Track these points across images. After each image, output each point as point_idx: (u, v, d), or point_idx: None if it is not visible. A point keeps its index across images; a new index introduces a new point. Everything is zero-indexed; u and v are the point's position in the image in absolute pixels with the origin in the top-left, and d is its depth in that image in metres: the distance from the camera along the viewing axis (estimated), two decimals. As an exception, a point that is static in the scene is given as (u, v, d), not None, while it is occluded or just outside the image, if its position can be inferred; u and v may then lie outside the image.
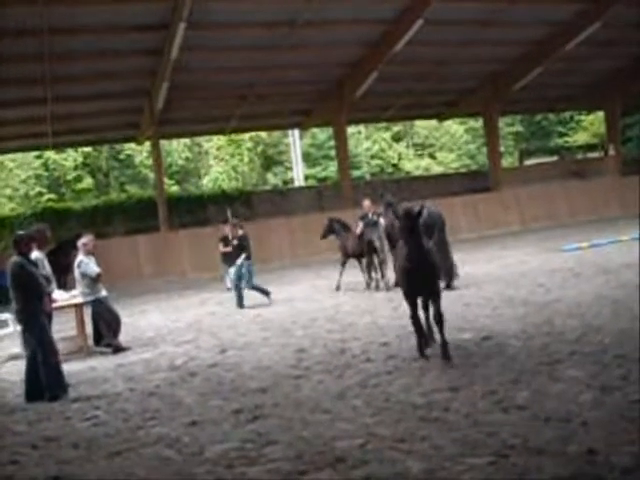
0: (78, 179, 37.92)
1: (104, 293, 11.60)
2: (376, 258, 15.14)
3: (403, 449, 5.32)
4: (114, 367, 9.87)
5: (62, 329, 11.93)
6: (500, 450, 5.08)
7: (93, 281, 11.36)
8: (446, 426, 5.73)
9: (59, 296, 10.95)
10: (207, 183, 40.64)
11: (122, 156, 39.69)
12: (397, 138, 46.22)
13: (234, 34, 21.49)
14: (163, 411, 7.22)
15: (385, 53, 23.64)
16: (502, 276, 14.84)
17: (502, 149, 37.18)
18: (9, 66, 19.75)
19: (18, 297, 8.42)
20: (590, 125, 42.92)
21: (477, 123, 41.88)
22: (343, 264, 15.91)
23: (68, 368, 9.36)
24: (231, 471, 5.32)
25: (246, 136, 39.84)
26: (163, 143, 30.43)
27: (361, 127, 41.84)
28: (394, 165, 44.57)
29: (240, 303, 14.64)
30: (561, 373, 6.91)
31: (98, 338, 11.43)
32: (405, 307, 8.66)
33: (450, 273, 13.61)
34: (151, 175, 35.52)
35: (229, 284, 16.88)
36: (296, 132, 35.90)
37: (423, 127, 46.48)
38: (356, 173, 39.10)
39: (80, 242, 11.74)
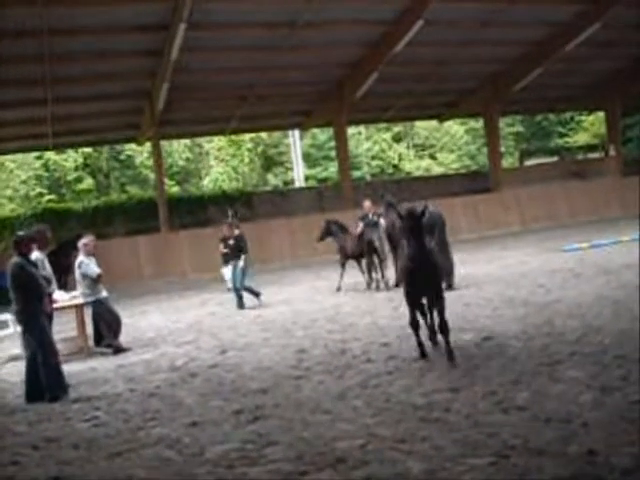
0: (78, 180, 37.93)
1: (105, 294, 11.60)
2: (376, 258, 15.15)
3: (404, 450, 5.32)
4: (114, 368, 9.87)
5: (63, 330, 11.95)
6: (501, 451, 5.08)
7: (94, 282, 11.36)
8: (447, 427, 5.73)
9: (60, 297, 10.95)
10: (207, 184, 40.64)
11: (122, 157, 39.69)
12: (397, 139, 46.22)
13: (234, 35, 21.50)
14: (163, 412, 7.22)
15: (385, 54, 23.65)
16: (502, 276, 14.84)
17: (502, 150, 37.17)
18: (9, 67, 19.75)
19: (18, 298, 8.42)
20: (590, 126, 42.92)
21: (477, 124, 41.87)
22: (343, 265, 15.92)
23: (68, 369, 9.37)
24: (232, 472, 5.32)
25: (246, 137, 39.86)
26: (163, 144, 30.42)
27: (361, 128, 41.84)
28: (394, 166, 44.57)
29: (240, 304, 14.64)
30: (561, 374, 6.91)
31: (98, 339, 11.43)
32: (405, 308, 8.64)
33: (451, 273, 13.63)
34: (152, 176, 35.50)
35: (230, 285, 16.88)
36: (296, 133, 35.89)
37: (423, 128, 46.48)
38: (356, 174, 39.08)
39: (80, 243, 11.75)
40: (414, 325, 8.27)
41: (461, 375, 7.28)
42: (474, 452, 5.11)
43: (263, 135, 40.70)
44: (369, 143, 44.01)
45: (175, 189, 38.15)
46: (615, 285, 11.87)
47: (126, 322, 12.24)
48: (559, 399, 6.12)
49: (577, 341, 8.21)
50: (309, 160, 42.22)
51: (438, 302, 8.16)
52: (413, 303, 8.33)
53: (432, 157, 46.11)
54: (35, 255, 9.29)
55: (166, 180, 31.53)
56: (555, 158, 35.03)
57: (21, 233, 9.19)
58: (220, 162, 41.85)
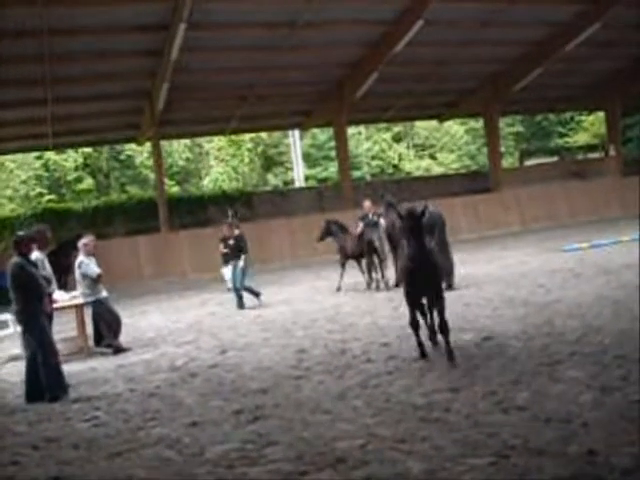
0: (78, 180, 37.93)
1: (104, 294, 11.60)
2: (376, 258, 15.15)
3: (404, 450, 5.32)
4: (114, 368, 9.87)
5: (63, 330, 11.95)
6: (501, 451, 5.08)
7: (94, 282, 11.36)
8: (447, 427, 5.73)
9: (60, 297, 10.95)
10: (207, 184, 40.65)
11: (122, 157, 39.69)
12: (397, 139, 46.23)
13: (234, 35, 21.50)
14: (163, 412, 7.22)
15: (385, 54, 23.65)
16: (502, 276, 14.85)
17: (502, 149, 37.17)
18: (9, 67, 19.75)
19: (18, 298, 8.42)
20: (590, 126, 42.92)
21: (477, 124, 41.87)
22: (343, 265, 15.91)
23: (68, 369, 9.37)
24: (232, 472, 5.32)
25: (246, 137, 39.86)
26: (163, 144, 30.43)
27: (361, 128, 41.84)
28: (394, 166, 44.57)
29: (240, 304, 14.64)
30: (561, 374, 6.90)
31: (99, 339, 11.43)
32: (405, 308, 8.64)
33: (451, 273, 13.63)
34: (152, 176, 35.51)
35: (230, 285, 16.88)
36: (296, 133, 35.89)
37: (423, 128, 46.48)
38: (356, 174, 39.09)
39: (80, 243, 11.75)
40: (414, 325, 8.27)
41: (461, 375, 7.28)
42: (474, 452, 5.11)
43: (263, 135, 40.70)
44: (369, 143, 44.01)
45: (175, 189, 38.15)
46: (615, 285, 11.87)
47: (126, 322, 12.24)
48: (559, 399, 6.12)
49: (577, 341, 8.21)
50: (309, 160, 42.22)
51: (438, 302, 8.16)
52: (413, 303, 8.34)
53: (432, 157, 46.12)
54: (35, 255, 9.29)
55: (166, 180, 31.54)
56: (555, 158, 35.04)
57: (21, 233, 9.19)
58: (220, 162, 41.85)
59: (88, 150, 37.08)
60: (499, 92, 29.55)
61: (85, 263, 11.39)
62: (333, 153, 34.85)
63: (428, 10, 21.46)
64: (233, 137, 38.18)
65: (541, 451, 4.99)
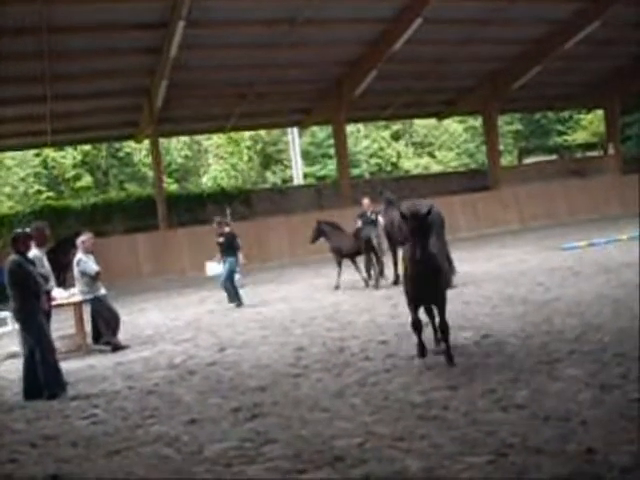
0: (77, 177, 37.90)
1: (103, 291, 11.60)
2: (374, 256, 15.12)
3: (402, 448, 5.31)
4: (113, 365, 9.86)
5: (61, 327, 11.94)
6: (499, 449, 5.07)
7: (92, 279, 11.35)
8: (445, 425, 5.73)
9: (58, 294, 10.95)
10: (206, 181, 40.64)
11: (121, 154, 39.66)
12: (396, 137, 46.23)
13: (233, 32, 21.49)
14: (162, 409, 7.21)
15: (384, 52, 23.65)
16: (501, 275, 14.84)
17: (501, 148, 37.19)
18: (8, 64, 19.74)
19: (16, 296, 8.41)
20: (589, 124, 42.94)
21: (476, 122, 41.91)
22: (339, 264, 15.83)
23: (67, 366, 9.36)
24: (230, 470, 5.31)
25: (245, 134, 39.85)
26: (162, 141, 30.43)
27: (360, 125, 41.84)
28: (393, 164, 44.57)
29: (239, 301, 14.62)
30: (560, 372, 6.90)
31: (97, 336, 11.43)
32: (404, 306, 8.60)
33: (449, 273, 13.59)
34: (150, 173, 35.50)
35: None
36: (295, 130, 35.89)
37: (422, 126, 46.49)
38: (355, 171, 39.10)
39: (79, 240, 11.74)
40: (416, 326, 8.09)
41: (460, 373, 7.27)
42: (472, 450, 5.11)
43: (262, 133, 40.71)
44: (368, 141, 44.00)
45: (174, 187, 38.16)
46: (615, 283, 11.86)
47: (125, 320, 12.25)
48: (558, 397, 6.11)
49: (576, 339, 8.20)
50: (308, 158, 42.22)
51: (440, 307, 7.97)
52: (415, 304, 8.16)
53: (431, 155, 46.12)
54: (34, 253, 9.28)
55: (165, 178, 31.55)
56: (554, 156, 35.09)
57: (18, 231, 9.16)
58: (219, 160, 41.84)
59: (87, 147, 37.09)
60: (498, 90, 29.56)
61: (84, 261, 11.38)
62: (332, 151, 34.84)
63: (427, 8, 21.49)
64: (232, 135, 38.16)
65: (540, 449, 4.99)
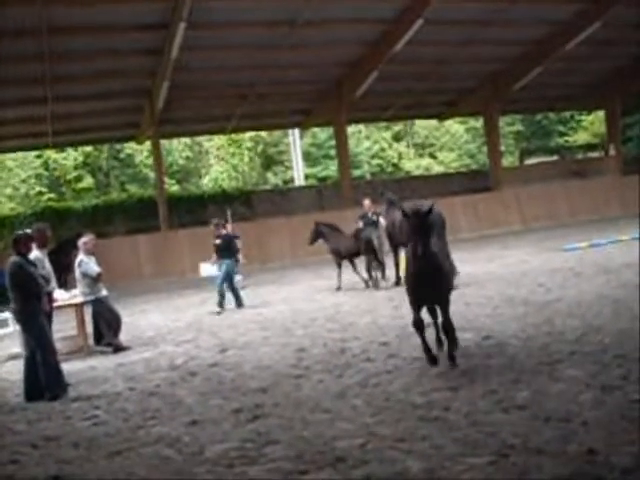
0: (78, 178, 37.95)
1: (104, 292, 11.60)
2: (374, 257, 15.11)
3: (403, 448, 5.31)
4: (114, 366, 9.86)
5: (63, 328, 11.94)
6: (500, 450, 5.07)
7: (93, 280, 11.36)
8: (446, 425, 5.73)
9: (59, 295, 10.94)
10: (207, 182, 40.66)
11: (122, 155, 39.72)
12: (397, 137, 46.26)
13: (234, 33, 21.51)
14: (163, 410, 7.21)
15: (385, 53, 23.67)
16: (503, 275, 14.84)
17: (502, 148, 37.20)
18: (9, 66, 19.77)
19: (17, 297, 8.41)
20: (590, 125, 42.96)
21: (477, 122, 41.90)
22: (339, 265, 15.82)
23: (68, 367, 9.37)
24: (231, 471, 5.31)
25: (246, 135, 39.87)
26: (163, 142, 30.44)
27: (361, 126, 41.86)
28: (394, 164, 44.60)
29: (238, 302, 14.62)
30: (561, 373, 6.89)
31: (98, 337, 11.43)
32: (406, 307, 8.60)
33: (451, 274, 13.58)
34: (151, 174, 35.53)
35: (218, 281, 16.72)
36: (296, 131, 35.91)
37: (423, 127, 46.52)
38: (356, 172, 39.11)
39: (80, 241, 11.75)
40: (418, 326, 8.03)
41: (461, 374, 7.27)
42: (473, 451, 5.11)
43: (263, 134, 40.73)
44: (369, 142, 44.04)
45: (175, 188, 38.19)
46: (615, 284, 11.86)
47: (126, 321, 12.23)
48: (559, 398, 6.11)
49: (577, 340, 8.19)
50: (309, 159, 42.24)
51: (443, 308, 7.91)
52: (417, 304, 8.11)
53: (432, 156, 46.15)
54: (35, 254, 9.27)
55: (166, 179, 31.57)
56: (555, 157, 35.07)
57: (19, 232, 9.16)
58: (220, 161, 41.86)
59: (88, 149, 37.12)
60: (499, 91, 29.58)
61: (85, 262, 11.39)
62: (333, 152, 34.88)
63: (428, 9, 21.50)
64: (233, 136, 38.20)
65: (540, 450, 4.98)
